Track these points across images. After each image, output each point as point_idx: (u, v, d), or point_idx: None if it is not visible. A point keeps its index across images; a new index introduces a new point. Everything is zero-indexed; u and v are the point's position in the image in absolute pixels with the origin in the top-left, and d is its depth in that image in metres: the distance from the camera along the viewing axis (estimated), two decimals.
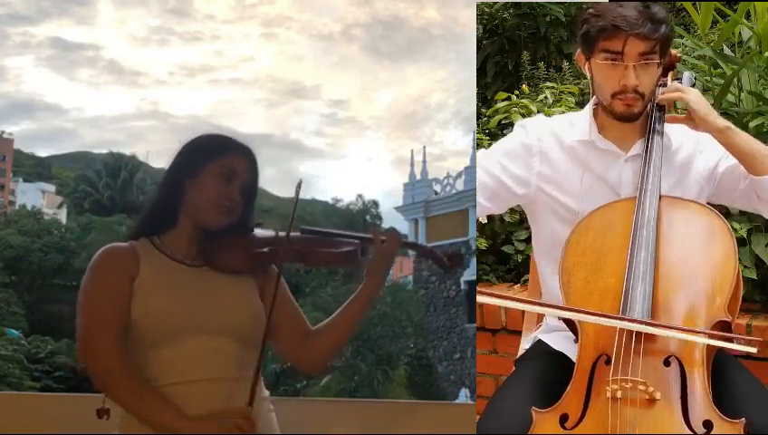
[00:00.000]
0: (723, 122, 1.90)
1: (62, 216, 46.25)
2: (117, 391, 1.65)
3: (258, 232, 1.82)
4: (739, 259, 2.60)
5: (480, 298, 1.78)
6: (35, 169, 64.33)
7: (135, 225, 1.82)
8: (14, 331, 26.90)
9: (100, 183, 45.86)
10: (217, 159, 1.78)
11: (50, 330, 28.09)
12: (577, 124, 2.06)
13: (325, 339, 1.84)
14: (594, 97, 2.04)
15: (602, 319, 1.74)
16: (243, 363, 1.72)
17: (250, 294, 1.79)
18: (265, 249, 1.76)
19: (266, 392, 1.81)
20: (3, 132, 57.00)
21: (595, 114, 2.04)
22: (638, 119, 1.97)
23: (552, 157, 2.04)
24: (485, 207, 2.09)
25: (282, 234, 1.77)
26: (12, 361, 22.51)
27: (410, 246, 1.90)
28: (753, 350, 1.71)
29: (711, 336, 1.71)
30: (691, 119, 1.92)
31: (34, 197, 52.38)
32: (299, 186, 1.80)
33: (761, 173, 1.89)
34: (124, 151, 62.02)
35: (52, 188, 56.80)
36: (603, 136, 2.02)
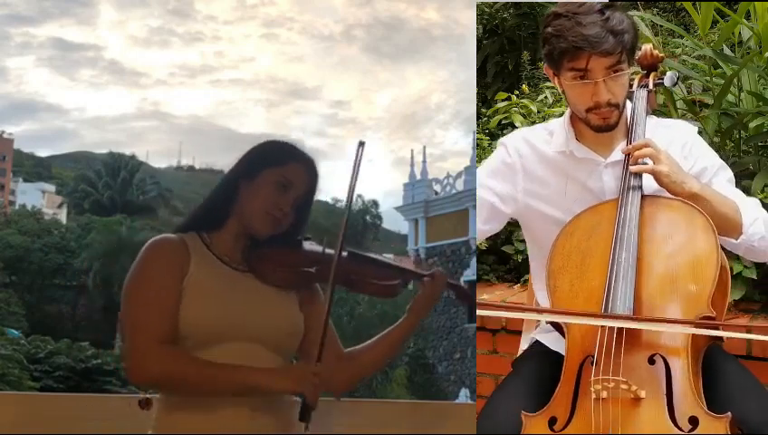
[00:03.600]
0: (693, 188, 1.85)
1: (62, 216, 46.29)
2: (173, 382, 1.62)
3: (306, 246, 1.78)
4: (739, 259, 2.60)
5: (479, 311, 1.80)
6: (35, 169, 64.38)
7: (187, 218, 1.79)
8: (14, 331, 26.88)
9: (100, 183, 45.92)
10: (276, 167, 1.74)
11: (50, 330, 28.10)
12: (555, 133, 2.05)
13: (355, 365, 1.81)
14: (569, 107, 2.01)
15: (583, 319, 1.75)
16: None
17: (291, 307, 1.76)
18: (312, 269, 1.72)
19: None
20: (3, 132, 57.04)
21: (573, 121, 2.02)
22: (615, 128, 1.96)
23: (534, 171, 2.04)
24: (483, 230, 2.12)
25: (329, 252, 1.73)
26: (12, 360, 22.48)
27: (453, 287, 1.90)
28: (736, 335, 1.71)
29: (697, 325, 1.71)
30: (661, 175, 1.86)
31: (34, 197, 52.40)
32: (348, 205, 1.74)
33: (722, 234, 1.87)
34: (125, 151, 62.03)
35: (52, 188, 56.84)
36: (582, 143, 2.00)
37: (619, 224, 1.85)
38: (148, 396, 1.70)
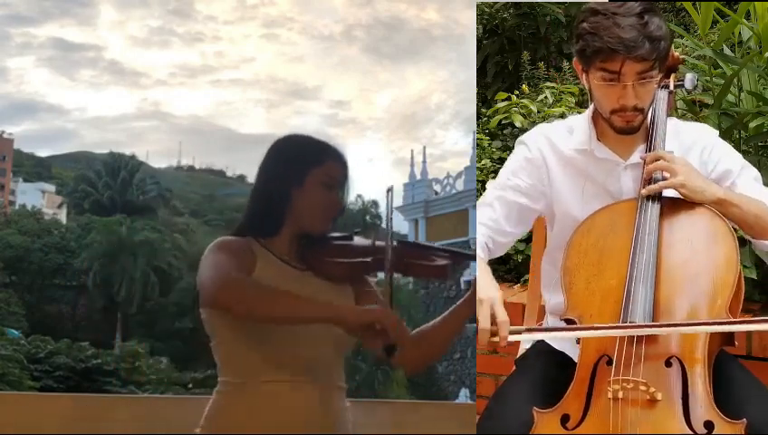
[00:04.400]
0: (716, 194, 1.84)
1: (62, 216, 46.28)
2: (256, 307, 1.63)
3: (356, 240, 1.84)
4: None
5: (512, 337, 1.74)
6: (35, 169, 64.39)
7: (238, 227, 1.82)
8: (14, 331, 26.88)
9: (100, 183, 45.86)
10: (318, 167, 1.80)
11: (50, 330, 28.08)
12: (576, 131, 2.02)
13: (426, 346, 1.84)
14: (593, 104, 2.00)
15: (608, 331, 1.73)
16: (337, 371, 1.77)
17: (348, 302, 1.81)
18: (368, 259, 1.78)
19: (347, 403, 1.82)
20: (3, 132, 57.05)
21: (594, 119, 2.00)
22: (638, 131, 1.94)
23: (553, 169, 2.02)
24: (514, 233, 2.04)
25: (379, 243, 1.80)
26: (12, 360, 22.49)
27: None
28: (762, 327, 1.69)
29: (714, 324, 1.71)
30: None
31: (34, 197, 52.41)
32: (390, 194, 1.80)
33: (758, 237, 1.87)
34: (125, 151, 62.03)
35: (52, 188, 56.86)
36: (603, 143, 1.98)
37: (639, 226, 1.84)
38: None
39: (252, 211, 1.83)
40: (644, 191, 1.87)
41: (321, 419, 1.71)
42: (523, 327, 1.80)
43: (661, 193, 1.88)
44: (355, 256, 1.80)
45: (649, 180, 1.90)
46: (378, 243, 1.80)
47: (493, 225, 1.99)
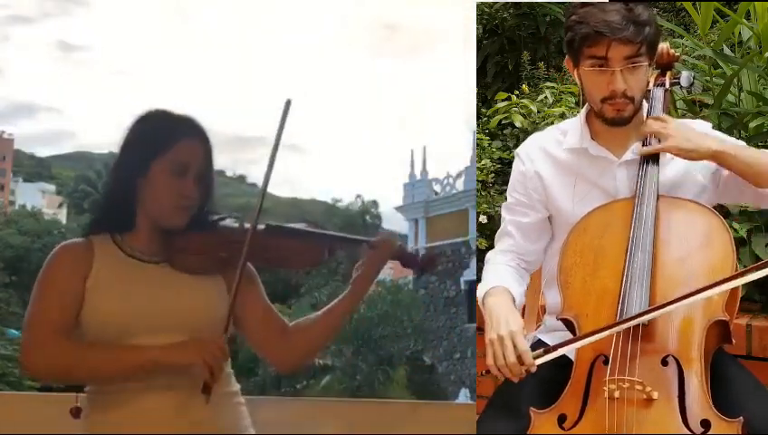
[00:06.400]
0: (710, 148, 1.85)
1: (62, 216, 46.31)
2: (72, 371, 1.61)
3: (223, 224, 1.72)
4: (739, 259, 2.60)
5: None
6: (35, 169, 64.42)
7: (93, 220, 1.72)
8: (14, 331, 26.87)
9: (100, 183, 45.85)
10: (164, 153, 1.64)
11: None
12: (569, 132, 2.05)
13: (302, 338, 1.76)
14: (587, 103, 2.02)
15: (604, 332, 1.72)
16: None
17: (213, 291, 1.69)
18: (224, 254, 1.67)
19: (237, 386, 1.75)
20: (3, 132, 57.05)
21: (589, 120, 2.02)
22: (629, 123, 1.95)
23: (547, 175, 2.04)
24: (539, 247, 2.08)
25: (247, 226, 1.67)
26: (12, 360, 22.48)
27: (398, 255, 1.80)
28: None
29: (707, 289, 1.68)
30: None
31: (34, 197, 52.41)
32: (264, 186, 1.67)
33: (764, 185, 1.87)
34: None
35: (52, 188, 56.88)
36: (597, 142, 2.00)
37: (635, 224, 1.84)
38: (79, 405, 1.68)
39: (105, 204, 1.71)
40: (640, 151, 1.91)
41: (191, 415, 1.62)
42: (541, 350, 1.77)
43: (657, 191, 1.88)
44: (217, 245, 1.67)
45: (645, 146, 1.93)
46: (246, 225, 1.67)
47: (517, 249, 2.05)
